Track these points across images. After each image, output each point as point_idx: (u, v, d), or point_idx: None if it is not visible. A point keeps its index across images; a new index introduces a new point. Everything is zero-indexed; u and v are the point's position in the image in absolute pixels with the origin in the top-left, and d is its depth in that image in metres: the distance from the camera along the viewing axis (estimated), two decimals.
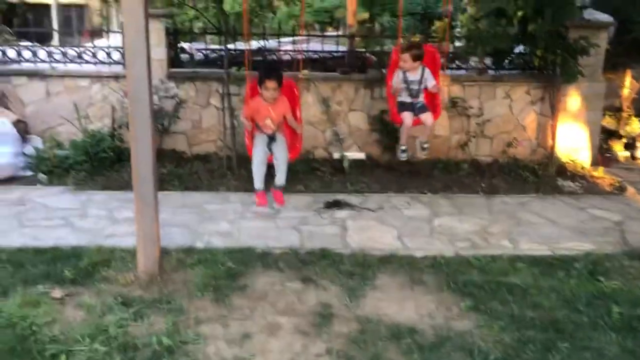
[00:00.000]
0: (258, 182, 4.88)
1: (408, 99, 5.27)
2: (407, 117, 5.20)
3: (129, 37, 3.47)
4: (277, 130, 4.89)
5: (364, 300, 3.59)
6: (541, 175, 6.46)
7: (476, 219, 5.19)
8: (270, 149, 4.89)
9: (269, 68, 5.04)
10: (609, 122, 8.31)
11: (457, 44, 7.87)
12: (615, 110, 8.43)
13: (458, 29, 6.89)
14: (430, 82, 5.22)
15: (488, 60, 7.20)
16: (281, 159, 4.90)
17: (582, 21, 6.71)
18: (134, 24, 3.43)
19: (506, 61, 7.05)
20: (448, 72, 6.96)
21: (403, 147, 5.39)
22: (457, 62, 7.09)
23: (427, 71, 5.23)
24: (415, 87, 5.25)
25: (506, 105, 6.98)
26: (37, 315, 3.22)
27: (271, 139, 4.86)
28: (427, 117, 5.22)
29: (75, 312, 3.31)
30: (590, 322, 3.36)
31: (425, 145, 5.53)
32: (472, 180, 6.39)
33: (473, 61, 7.14)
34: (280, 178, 4.94)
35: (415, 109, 5.26)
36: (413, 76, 5.22)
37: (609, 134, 8.09)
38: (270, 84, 4.74)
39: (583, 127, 7.05)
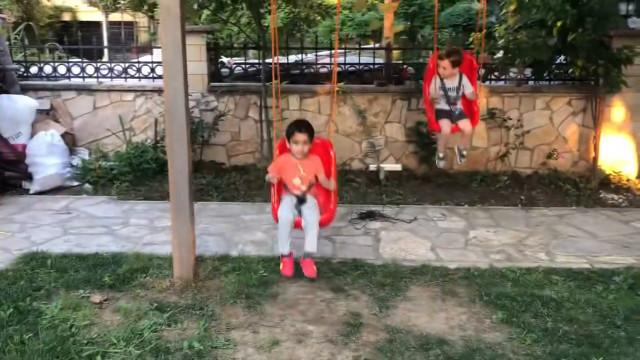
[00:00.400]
0: (283, 246, 4.11)
1: (446, 107, 5.18)
2: (445, 124, 5.11)
3: (166, 53, 3.60)
4: (307, 191, 4.28)
5: (394, 311, 3.59)
6: (583, 187, 6.31)
7: (513, 231, 5.11)
8: (299, 211, 4.22)
9: (299, 121, 4.47)
10: None
11: (497, 55, 7.80)
12: None
13: (500, 41, 6.81)
14: (468, 89, 5.14)
15: (528, 71, 7.11)
16: (311, 221, 4.12)
17: (626, 30, 6.56)
18: (171, 42, 3.57)
19: (546, 72, 6.93)
20: (487, 83, 6.94)
21: (441, 155, 5.35)
22: (495, 73, 7.01)
23: (465, 78, 5.15)
24: (453, 94, 5.16)
25: (546, 116, 6.85)
26: (77, 318, 3.36)
27: (300, 200, 4.24)
28: (465, 124, 5.11)
29: (112, 316, 3.44)
30: (628, 337, 3.26)
31: (464, 152, 5.42)
32: (510, 192, 6.30)
33: (512, 72, 7.06)
34: (310, 244, 4.11)
35: (454, 117, 5.16)
36: (451, 83, 5.14)
37: None
38: (300, 136, 4.24)
39: (628, 138, 6.85)
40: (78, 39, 8.03)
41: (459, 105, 5.21)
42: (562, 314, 3.53)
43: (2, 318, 3.32)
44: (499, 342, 3.23)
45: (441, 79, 5.15)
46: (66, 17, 22.19)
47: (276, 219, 4.16)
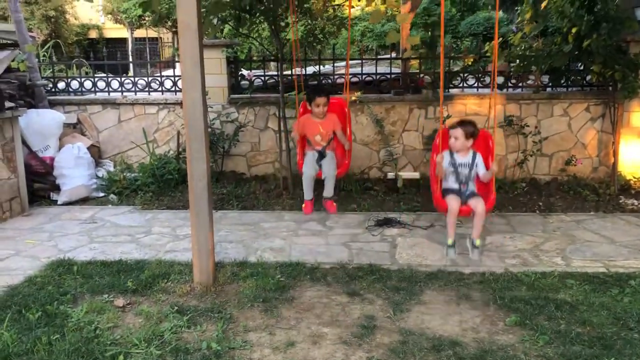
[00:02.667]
0: (307, 193, 5.28)
1: (455, 185, 4.57)
2: (453, 201, 4.40)
3: (185, 66, 3.76)
4: (326, 146, 5.25)
5: (408, 314, 3.65)
6: (602, 193, 6.29)
7: (529, 236, 5.13)
8: (319, 165, 5.21)
9: (318, 87, 5.54)
10: None
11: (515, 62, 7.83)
12: None
13: (516, 49, 6.86)
14: (482, 170, 4.54)
15: (545, 78, 7.13)
16: (329, 174, 5.18)
17: None
18: (190, 55, 3.72)
19: (563, 78, 6.94)
20: (504, 90, 6.97)
21: (449, 242, 4.47)
22: (513, 80, 7.05)
23: (479, 156, 4.56)
24: (464, 171, 4.55)
25: (564, 122, 6.86)
26: (101, 320, 3.50)
27: (321, 155, 5.22)
28: (477, 203, 4.40)
29: (134, 319, 3.57)
30: None
31: (477, 243, 4.45)
32: (528, 198, 6.31)
33: (530, 79, 7.08)
34: (329, 191, 5.28)
35: (463, 196, 4.52)
36: (463, 158, 4.55)
37: None
38: (320, 99, 5.18)
39: None
40: (103, 55, 8.29)
41: (471, 187, 4.59)
42: (575, 317, 3.55)
43: (31, 320, 3.48)
44: (511, 344, 3.27)
45: (451, 153, 4.57)
46: (93, 34, 22.80)
47: (301, 172, 5.20)
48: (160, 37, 22.40)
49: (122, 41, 22.57)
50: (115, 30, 22.60)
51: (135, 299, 3.86)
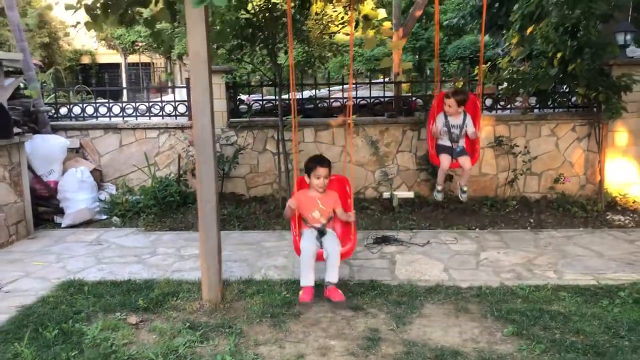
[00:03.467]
0: (306, 279, 4.16)
1: (448, 143, 5.30)
2: (445, 159, 5.24)
3: (195, 93, 3.96)
4: (326, 224, 4.44)
5: (410, 326, 3.82)
6: (590, 210, 6.54)
7: (522, 252, 5.34)
8: (320, 243, 4.33)
9: (319, 156, 4.67)
10: None
11: (503, 85, 8.14)
12: None
13: (504, 72, 7.16)
14: (470, 129, 5.24)
15: (533, 100, 7.42)
16: (333, 252, 4.20)
17: (624, 59, 6.87)
18: (200, 83, 3.93)
19: (550, 100, 7.24)
20: (493, 112, 7.25)
21: (439, 188, 5.57)
22: (501, 102, 7.33)
23: (469, 117, 5.27)
24: (456, 131, 5.28)
25: (552, 142, 7.13)
26: (116, 337, 3.64)
27: (320, 232, 4.39)
28: (465, 160, 5.23)
29: (148, 335, 3.71)
30: (631, 346, 3.45)
31: (465, 189, 5.52)
32: (519, 216, 6.54)
33: (518, 101, 7.37)
34: (331, 275, 4.23)
35: (454, 153, 5.28)
36: (455, 120, 5.27)
37: None
38: (322, 170, 4.43)
39: (633, 161, 7.08)
40: (93, 82, 8.49)
41: (461, 143, 5.31)
42: (569, 327, 3.74)
43: (49, 338, 3.61)
44: (510, 353, 3.44)
45: (446, 116, 5.29)
46: (86, 59, 23.03)
47: (298, 252, 4.24)
48: (153, 63, 22.67)
49: (115, 66, 22.81)
50: (108, 56, 22.86)
51: (147, 316, 4.00)
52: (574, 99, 7.12)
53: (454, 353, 3.44)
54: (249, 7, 6.02)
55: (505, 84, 7.07)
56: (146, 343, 3.59)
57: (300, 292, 4.14)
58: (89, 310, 4.07)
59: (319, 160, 4.51)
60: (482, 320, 3.90)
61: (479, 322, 3.87)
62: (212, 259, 4.14)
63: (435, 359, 3.37)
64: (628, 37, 6.90)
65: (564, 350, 3.43)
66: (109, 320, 3.89)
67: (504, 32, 10.25)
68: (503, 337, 3.66)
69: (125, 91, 13.80)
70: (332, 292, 4.19)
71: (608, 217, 6.35)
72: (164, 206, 6.75)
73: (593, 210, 6.53)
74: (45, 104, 7.51)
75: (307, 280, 4.14)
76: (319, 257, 4.22)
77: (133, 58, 21.89)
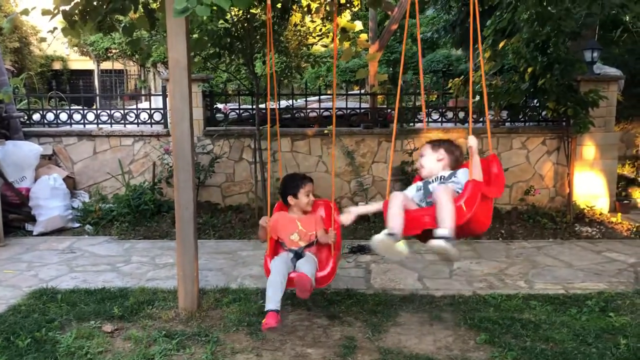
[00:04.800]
0: (272, 300, 3.59)
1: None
2: None
3: (175, 100, 3.97)
4: (305, 248, 4.02)
5: (386, 335, 3.87)
6: (559, 221, 6.71)
7: (494, 262, 5.45)
8: (294, 265, 3.87)
9: (301, 174, 4.31)
10: (628, 171, 8.57)
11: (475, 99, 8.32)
12: (634, 159, 8.71)
13: (476, 86, 7.34)
14: None
15: (504, 113, 7.60)
16: (307, 273, 3.70)
17: (591, 75, 7.11)
18: (179, 90, 3.94)
19: (521, 114, 7.43)
20: (465, 125, 7.40)
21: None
22: (474, 116, 7.49)
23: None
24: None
25: (523, 155, 7.31)
26: (91, 345, 3.60)
27: (297, 255, 3.96)
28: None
29: (124, 344, 3.68)
30: (599, 353, 3.56)
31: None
32: (491, 227, 6.63)
33: (490, 114, 7.53)
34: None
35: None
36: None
37: (629, 182, 8.33)
38: (310, 186, 4.11)
39: (600, 175, 7.31)
40: (67, 88, 8.40)
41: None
42: (539, 334, 3.84)
43: (21, 347, 3.55)
44: None
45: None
46: (57, 65, 22.69)
47: (268, 273, 3.77)
48: (126, 70, 22.46)
49: (87, 73, 22.53)
50: (80, 62, 22.56)
51: (123, 324, 3.96)
52: (544, 113, 7.32)
53: None
54: (227, 16, 6.06)
55: (477, 98, 7.22)
56: (122, 351, 3.57)
57: (264, 319, 3.54)
58: (62, 319, 4.02)
59: (304, 177, 4.18)
60: (455, 329, 3.97)
61: (452, 330, 3.95)
62: (189, 267, 4.13)
63: None
64: (595, 54, 7.13)
65: (535, 357, 3.51)
66: (84, 328, 3.85)
67: (476, 46, 10.48)
68: (476, 344, 3.73)
69: (97, 98, 13.63)
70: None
71: (576, 229, 6.53)
72: (138, 214, 6.69)
73: (562, 221, 6.70)
74: (18, 109, 7.40)
75: (273, 303, 3.57)
76: (290, 282, 3.69)
77: (106, 65, 21.67)
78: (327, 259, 4.01)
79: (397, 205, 3.51)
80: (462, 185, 3.44)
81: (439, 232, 3.25)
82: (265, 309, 3.58)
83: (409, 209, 3.54)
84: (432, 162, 3.74)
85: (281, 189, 4.18)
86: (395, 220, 3.49)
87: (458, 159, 3.80)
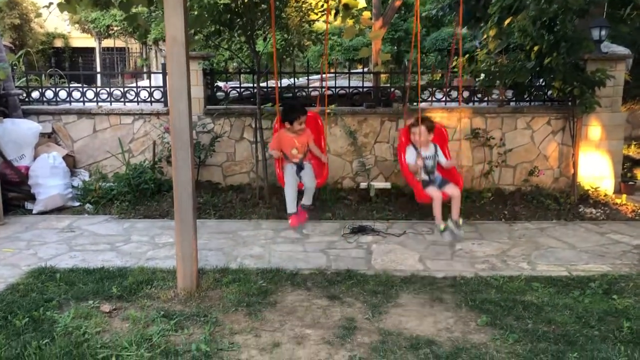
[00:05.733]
0: (291, 206, 5.18)
1: (426, 177, 5.33)
2: (434, 191, 5.22)
3: (173, 79, 3.89)
4: (303, 158, 5.41)
5: (386, 316, 3.84)
6: (563, 202, 6.64)
7: (496, 243, 5.40)
8: (299, 177, 5.34)
9: (294, 108, 5.54)
10: (633, 152, 8.47)
11: (480, 77, 8.20)
12: None
13: (482, 65, 7.22)
14: (443, 160, 5.43)
15: (509, 93, 7.49)
16: (309, 185, 5.34)
17: (599, 54, 6.97)
18: (177, 68, 3.86)
19: (526, 93, 7.32)
20: (470, 104, 7.30)
21: (442, 227, 5.21)
22: (478, 95, 7.38)
23: (438, 148, 5.43)
24: (430, 162, 5.33)
25: (527, 135, 7.21)
26: (89, 325, 3.57)
27: (299, 167, 5.36)
28: (453, 189, 5.25)
29: (122, 324, 3.66)
30: (601, 335, 3.53)
31: (460, 222, 5.23)
32: (494, 207, 6.61)
33: (494, 94, 7.43)
34: (307, 199, 5.39)
35: (436, 185, 5.31)
36: (426, 151, 5.31)
37: (634, 163, 8.23)
38: (304, 117, 5.40)
39: (605, 155, 7.21)
40: (66, 66, 8.29)
41: (437, 174, 5.39)
42: (541, 317, 3.80)
43: (18, 326, 3.53)
44: (483, 342, 3.48)
45: (416, 148, 5.27)
46: (58, 43, 22.50)
47: (283, 184, 5.30)
48: (128, 48, 22.27)
49: (89, 50, 22.33)
50: (81, 40, 22.35)
51: (121, 304, 3.94)
52: (549, 92, 7.20)
53: (429, 342, 3.47)
54: None
55: (482, 76, 7.11)
56: (119, 331, 3.54)
57: (289, 220, 5.21)
58: (60, 298, 3.99)
59: (301, 110, 5.44)
60: (456, 310, 3.94)
61: (453, 312, 3.91)
62: (188, 247, 4.09)
63: (410, 348, 3.39)
64: (603, 32, 6.98)
65: (537, 340, 3.48)
66: (82, 308, 3.82)
67: (482, 24, 10.33)
68: (477, 326, 3.70)
69: (99, 76, 13.52)
70: (302, 214, 5.30)
71: (580, 210, 6.46)
72: (138, 193, 6.65)
73: (566, 203, 6.63)
74: (16, 87, 7.31)
75: (292, 207, 5.17)
76: (299, 187, 5.29)
77: (108, 42, 21.47)
78: (319, 167, 5.68)
79: (439, 207, 5.29)
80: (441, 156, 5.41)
81: (459, 221, 5.14)
82: (288, 212, 5.21)
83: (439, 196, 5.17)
84: (426, 139, 5.28)
85: (282, 113, 5.55)
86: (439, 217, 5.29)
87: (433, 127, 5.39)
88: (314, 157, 5.66)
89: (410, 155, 5.35)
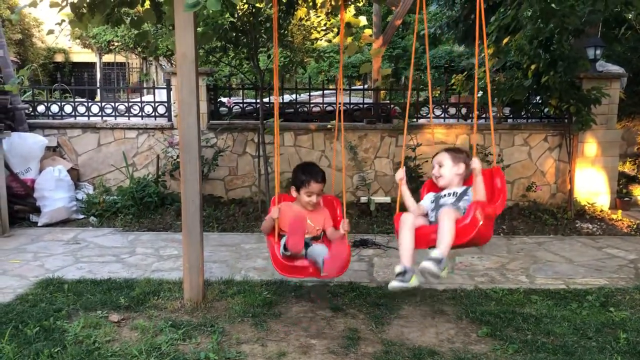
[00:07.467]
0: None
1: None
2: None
3: (182, 94, 4.00)
4: (312, 241, 3.88)
5: (389, 327, 3.92)
6: (560, 217, 6.76)
7: (496, 257, 5.51)
8: (305, 255, 3.78)
9: (313, 168, 3.99)
10: (628, 168, 8.61)
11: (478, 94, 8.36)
12: (635, 157, 8.75)
13: (479, 82, 7.38)
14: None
15: (507, 110, 7.64)
16: (323, 253, 3.69)
17: (594, 73, 7.14)
18: (187, 83, 3.98)
19: (523, 110, 7.47)
20: (468, 121, 7.44)
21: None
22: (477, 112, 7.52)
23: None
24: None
25: (525, 151, 7.35)
26: (99, 334, 3.65)
27: (305, 245, 3.77)
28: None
29: (131, 333, 3.73)
30: (598, 346, 3.61)
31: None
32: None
33: (492, 111, 7.57)
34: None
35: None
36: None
37: (629, 179, 8.37)
38: (316, 187, 3.87)
39: (601, 172, 7.35)
40: (71, 80, 8.41)
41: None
42: (540, 328, 3.89)
43: (30, 335, 3.60)
44: (484, 353, 3.57)
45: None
46: (59, 58, 22.66)
47: (277, 266, 3.83)
48: (128, 63, 22.45)
49: (89, 65, 22.50)
50: (82, 55, 22.52)
51: (129, 314, 4.01)
52: (546, 110, 7.36)
53: (431, 352, 3.55)
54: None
55: (481, 93, 7.26)
56: (129, 340, 3.61)
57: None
58: (69, 308, 4.06)
59: (313, 174, 3.88)
60: (457, 322, 4.02)
61: (454, 324, 4.00)
62: (195, 258, 4.18)
63: (413, 358, 3.47)
64: (598, 51, 7.16)
65: (536, 350, 3.56)
66: (90, 318, 3.89)
67: (481, 42, 10.52)
68: (478, 337, 3.78)
69: (99, 91, 13.65)
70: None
71: (577, 225, 6.58)
72: (141, 207, 6.74)
73: (563, 218, 6.75)
74: (22, 101, 7.43)
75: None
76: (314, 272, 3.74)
77: (108, 57, 21.64)
78: (338, 249, 3.78)
79: (408, 237, 3.59)
80: None
81: (433, 254, 3.38)
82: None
83: (418, 225, 3.64)
84: (451, 174, 3.79)
85: (292, 176, 4.04)
86: (406, 255, 3.59)
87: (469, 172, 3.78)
88: (328, 242, 3.98)
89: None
